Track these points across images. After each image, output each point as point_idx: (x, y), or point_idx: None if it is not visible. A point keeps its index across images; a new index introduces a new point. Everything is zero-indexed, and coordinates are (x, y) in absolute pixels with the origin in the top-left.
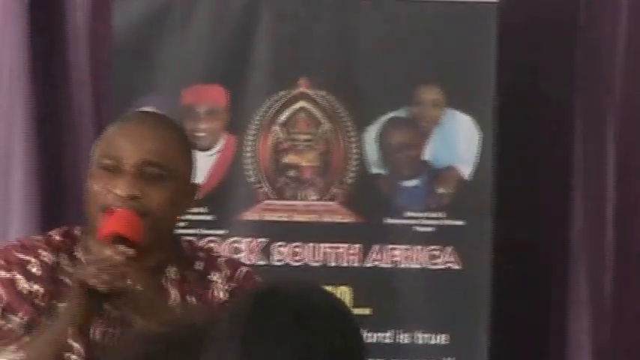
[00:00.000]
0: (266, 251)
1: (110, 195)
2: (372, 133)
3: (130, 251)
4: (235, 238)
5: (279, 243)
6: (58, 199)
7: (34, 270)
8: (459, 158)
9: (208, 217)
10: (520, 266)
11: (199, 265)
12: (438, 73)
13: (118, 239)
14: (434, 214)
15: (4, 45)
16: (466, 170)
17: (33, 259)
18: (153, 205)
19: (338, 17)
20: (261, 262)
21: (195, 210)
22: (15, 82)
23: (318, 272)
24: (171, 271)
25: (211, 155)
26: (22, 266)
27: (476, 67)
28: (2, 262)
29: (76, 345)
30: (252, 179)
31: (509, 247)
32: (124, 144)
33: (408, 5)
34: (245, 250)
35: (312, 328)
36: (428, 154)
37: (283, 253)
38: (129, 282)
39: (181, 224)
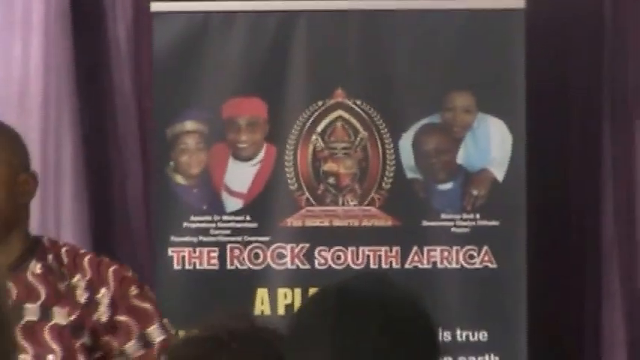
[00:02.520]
0: (309, 256)
1: None
2: (407, 140)
3: None
4: (278, 244)
5: (321, 248)
6: (105, 212)
7: None
8: (492, 161)
9: (252, 225)
10: (553, 263)
11: (63, 262)
12: (469, 79)
13: None
14: (469, 216)
15: (50, 66)
16: (499, 172)
17: None
18: None
19: (370, 28)
20: (305, 267)
21: (239, 218)
22: (62, 101)
23: None
24: (35, 267)
25: (253, 165)
26: None
27: (505, 71)
28: None
29: None
30: (292, 187)
31: (542, 245)
32: None
33: (438, 14)
34: (288, 255)
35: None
36: (461, 158)
37: (325, 258)
38: None
39: (226, 232)
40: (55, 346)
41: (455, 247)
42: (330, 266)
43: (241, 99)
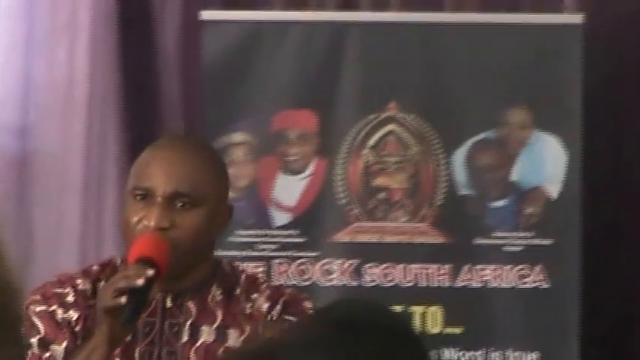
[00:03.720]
0: (357, 272)
1: (141, 225)
2: (460, 155)
3: (150, 271)
4: (327, 260)
5: (370, 264)
6: None
7: (69, 298)
8: (547, 178)
9: (300, 240)
10: (608, 283)
11: (242, 288)
12: (525, 95)
13: (144, 262)
14: (522, 234)
15: (96, 73)
16: (554, 190)
17: (69, 290)
18: (183, 235)
19: (425, 41)
20: (353, 283)
21: (287, 232)
22: (107, 109)
23: (409, 293)
24: (216, 293)
25: (302, 179)
26: (59, 298)
27: (562, 88)
28: (39, 298)
29: None
30: (342, 202)
31: (596, 265)
32: (155, 174)
33: (494, 28)
34: (337, 271)
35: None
36: (515, 174)
37: (374, 274)
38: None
39: (273, 246)
40: None
41: (507, 266)
42: (378, 283)
43: (292, 111)
